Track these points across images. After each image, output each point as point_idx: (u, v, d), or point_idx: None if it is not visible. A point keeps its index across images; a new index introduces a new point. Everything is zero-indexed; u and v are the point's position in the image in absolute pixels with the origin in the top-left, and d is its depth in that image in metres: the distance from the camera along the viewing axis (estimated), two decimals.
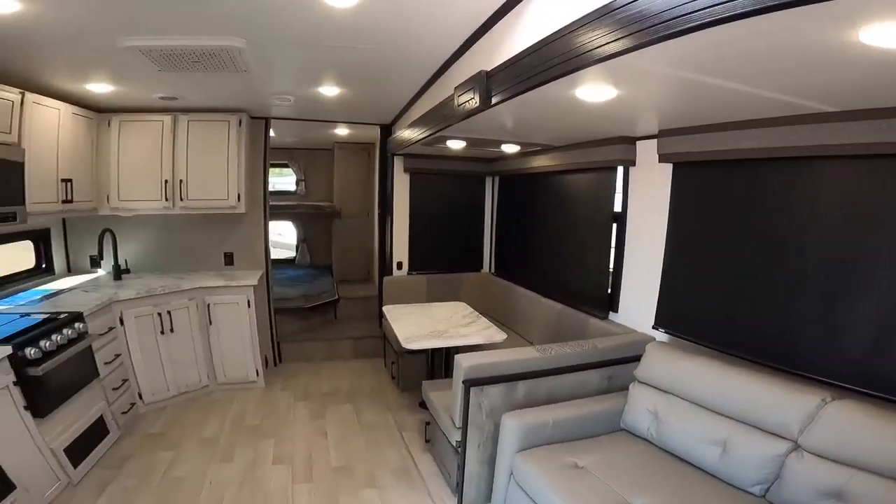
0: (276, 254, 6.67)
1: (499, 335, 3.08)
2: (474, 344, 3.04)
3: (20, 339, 2.29)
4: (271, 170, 6.50)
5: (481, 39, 2.01)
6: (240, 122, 3.82)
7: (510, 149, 3.64)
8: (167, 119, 3.69)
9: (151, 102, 3.47)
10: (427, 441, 3.02)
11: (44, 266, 3.75)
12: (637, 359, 2.37)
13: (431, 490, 2.61)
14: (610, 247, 3.13)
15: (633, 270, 2.95)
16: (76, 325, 2.72)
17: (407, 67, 2.62)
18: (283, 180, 6.60)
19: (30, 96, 2.75)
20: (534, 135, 3.10)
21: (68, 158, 3.21)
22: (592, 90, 1.68)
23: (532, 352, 2.38)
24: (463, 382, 2.16)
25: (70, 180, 3.22)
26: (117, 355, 3.20)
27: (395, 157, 4.42)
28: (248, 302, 3.86)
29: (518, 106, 1.95)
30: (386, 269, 4.65)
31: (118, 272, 3.86)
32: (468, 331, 3.18)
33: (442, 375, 3.43)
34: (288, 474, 2.74)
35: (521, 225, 4.32)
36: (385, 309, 3.71)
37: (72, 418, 2.61)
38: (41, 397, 2.35)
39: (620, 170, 3.01)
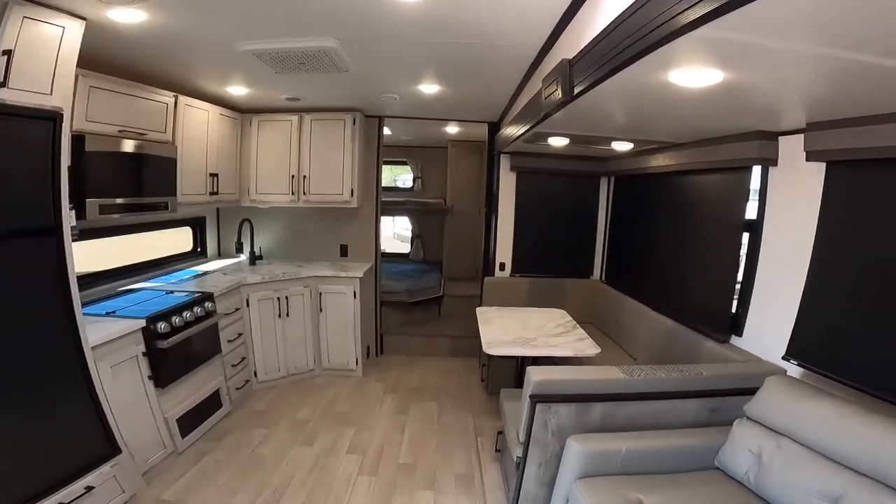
0: (393, 248, 7.07)
1: (591, 349, 2.82)
2: (563, 356, 2.82)
3: (154, 313, 2.66)
4: (392, 167, 6.97)
5: (567, 27, 1.83)
6: (354, 120, 4.07)
7: (622, 146, 3.30)
8: (294, 119, 4.09)
9: (281, 103, 3.87)
10: (497, 451, 2.91)
11: (199, 250, 4.43)
12: (753, 391, 1.96)
13: (488, 502, 2.50)
14: (739, 259, 2.65)
15: (765, 289, 2.46)
16: (206, 304, 3.13)
17: (501, 62, 2.53)
18: (403, 177, 6.93)
19: (183, 99, 3.25)
20: (643, 130, 2.76)
21: (215, 155, 3.74)
22: (689, 74, 1.40)
23: (615, 372, 2.11)
24: (530, 397, 2.00)
25: (216, 174, 3.75)
26: (240, 334, 3.63)
27: (502, 156, 4.32)
28: (355, 293, 4.10)
29: (606, 97, 1.74)
30: (488, 269, 4.59)
31: (253, 258, 4.40)
32: (559, 341, 2.96)
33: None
34: (356, 465, 2.84)
35: (635, 230, 3.91)
36: (479, 310, 3.65)
37: (190, 390, 2.95)
38: (165, 369, 2.66)
39: (756, 170, 2.53)
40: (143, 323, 2.54)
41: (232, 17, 2.04)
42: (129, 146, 2.78)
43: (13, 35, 1.69)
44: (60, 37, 1.88)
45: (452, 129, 5.18)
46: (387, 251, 6.89)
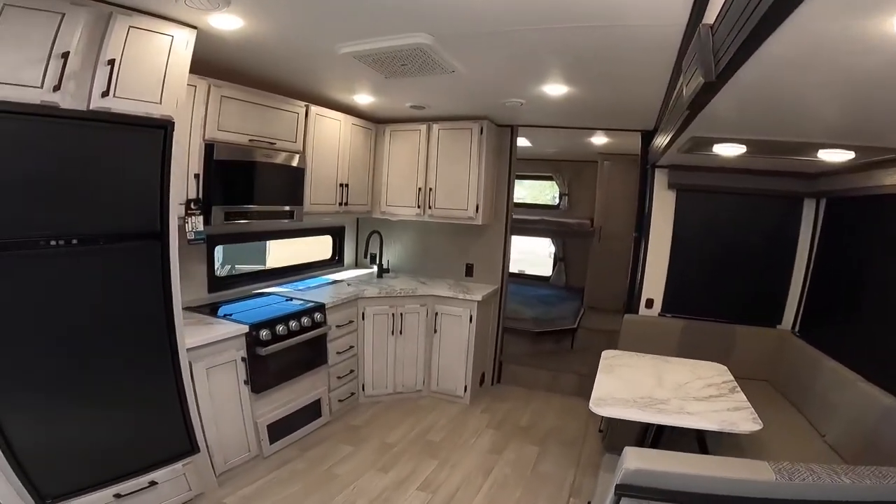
0: (535, 268, 6.59)
1: (747, 423, 2.01)
2: (702, 429, 2.06)
3: (260, 321, 2.72)
4: (534, 182, 6.51)
5: None
6: (481, 129, 3.78)
7: (835, 156, 2.33)
8: (423, 128, 3.98)
9: (409, 112, 3.79)
10: None
11: (336, 258, 4.64)
12: None
13: None
14: None
15: None
16: (316, 314, 3.14)
17: (637, 50, 1.97)
18: (546, 193, 6.43)
19: (314, 109, 3.36)
20: (867, 129, 1.85)
21: (347, 165, 3.82)
22: None
23: (763, 471, 1.36)
24: (617, 487, 1.40)
25: (347, 185, 3.84)
26: (351, 347, 3.58)
27: (657, 170, 3.56)
28: (471, 317, 3.78)
29: (785, 70, 1.09)
30: (632, 304, 3.83)
31: (381, 271, 4.43)
32: (701, 407, 2.19)
33: (649, 445, 2.52)
34: None
35: (859, 273, 2.79)
36: (605, 354, 2.99)
37: (288, 398, 2.94)
38: (262, 375, 2.68)
39: None
40: (246, 329, 2.61)
41: (320, 15, 1.92)
42: (259, 155, 2.95)
43: (118, 45, 1.80)
44: (169, 46, 1.98)
45: (600, 139, 4.53)
46: (526, 272, 6.45)
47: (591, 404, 2.27)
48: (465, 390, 3.88)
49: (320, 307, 3.22)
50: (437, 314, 3.87)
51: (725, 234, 3.49)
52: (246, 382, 2.62)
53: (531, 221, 5.40)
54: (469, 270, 4.37)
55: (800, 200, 3.33)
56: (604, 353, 3.03)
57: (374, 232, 4.40)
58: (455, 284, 4.16)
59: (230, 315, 2.80)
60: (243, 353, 2.59)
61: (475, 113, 3.72)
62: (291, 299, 3.32)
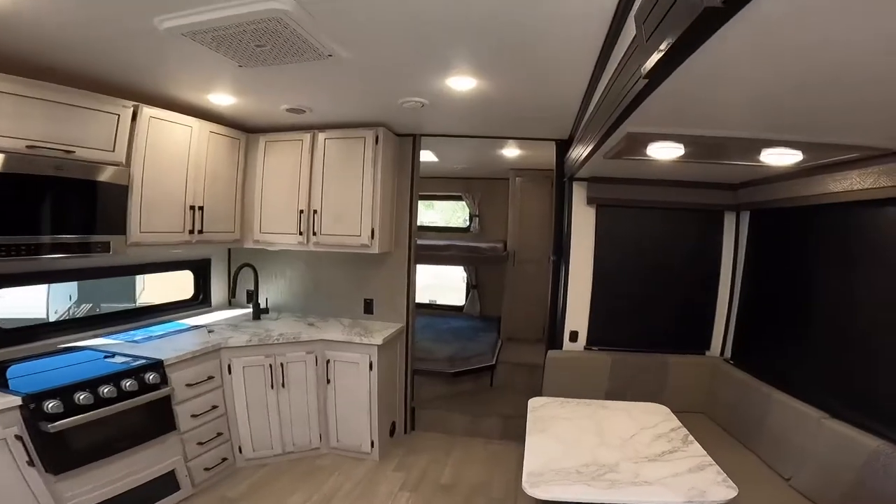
0: (444, 297, 6.01)
1: (720, 490, 1.55)
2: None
3: (44, 390, 1.93)
4: (446, 204, 6.02)
5: None
6: (376, 138, 3.15)
7: (780, 159, 2.00)
8: (306, 138, 3.27)
9: (285, 118, 3.06)
10: None
11: (200, 298, 3.69)
12: None
13: None
14: None
15: None
16: (148, 375, 2.30)
17: (557, 34, 1.48)
18: (458, 215, 5.95)
19: (147, 110, 2.53)
20: (826, 122, 1.49)
21: (202, 183, 2.98)
22: None
23: None
24: None
25: (201, 207, 2.98)
26: (214, 406, 2.76)
27: (575, 184, 3.16)
28: (371, 364, 3.07)
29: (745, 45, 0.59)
30: (555, 339, 3.35)
31: (258, 311, 3.56)
32: (659, 472, 1.72)
33: None
34: None
35: (793, 290, 2.53)
36: (532, 404, 2.44)
37: (117, 474, 2.20)
38: (61, 453, 1.98)
39: None
40: (19, 401, 1.84)
41: None
42: (45, 167, 2.05)
43: None
44: None
45: (512, 151, 4.11)
46: (437, 302, 5.85)
47: (524, 483, 1.70)
48: (373, 446, 3.15)
49: (155, 365, 2.36)
50: (328, 362, 3.11)
51: (650, 254, 3.15)
52: (30, 463, 1.87)
53: (439, 247, 4.75)
54: (368, 307, 3.65)
55: (720, 214, 3.09)
56: (531, 403, 2.48)
57: (244, 265, 3.55)
58: (352, 325, 3.42)
59: (9, 380, 1.99)
60: (18, 429, 1.84)
61: (369, 118, 3.08)
62: (114, 355, 2.44)
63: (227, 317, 3.55)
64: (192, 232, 2.93)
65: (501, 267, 5.03)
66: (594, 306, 3.19)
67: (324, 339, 3.12)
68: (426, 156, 4.24)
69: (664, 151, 1.99)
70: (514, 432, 3.61)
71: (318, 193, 3.24)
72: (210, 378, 2.75)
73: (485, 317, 5.50)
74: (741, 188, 2.89)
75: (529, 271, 4.96)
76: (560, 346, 3.26)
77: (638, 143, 1.89)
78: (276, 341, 3.00)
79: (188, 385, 2.57)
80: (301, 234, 3.27)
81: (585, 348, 3.23)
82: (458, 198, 5.60)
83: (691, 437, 2.11)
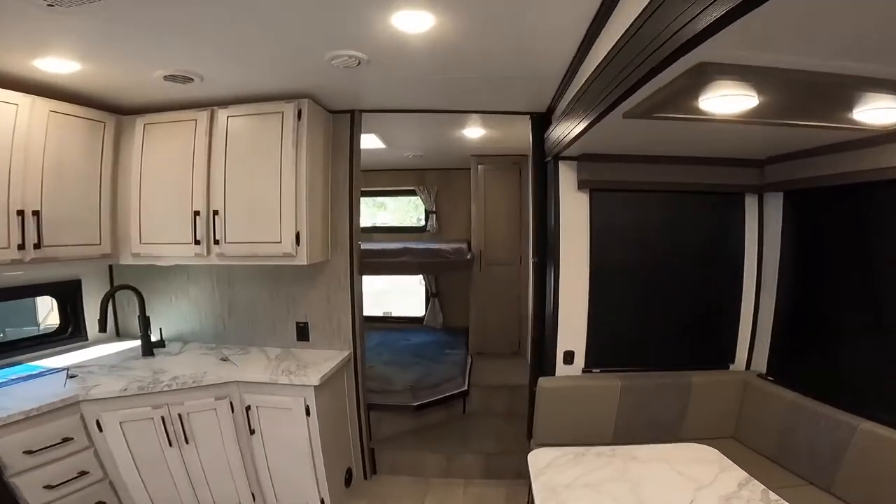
0: (401, 307, 5.21)
1: None
2: None
3: None
4: (400, 199, 5.19)
5: None
6: (298, 113, 2.32)
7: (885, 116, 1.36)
8: (202, 116, 2.40)
9: (169, 90, 2.20)
10: None
11: (70, 330, 2.73)
12: None
13: None
14: None
15: None
16: None
17: None
18: (412, 213, 5.16)
19: None
20: None
21: (35, 179, 2.06)
22: None
23: None
24: None
25: (36, 212, 2.05)
26: (83, 472, 1.98)
27: (561, 165, 2.46)
28: (308, 409, 2.26)
29: None
30: (543, 362, 2.65)
31: (149, 345, 2.64)
32: None
33: None
34: None
35: (855, 289, 1.95)
36: (535, 463, 1.71)
37: None
38: None
39: None
40: None
41: None
42: None
43: None
44: None
45: (475, 132, 3.37)
46: (393, 314, 5.05)
47: None
48: (323, 503, 2.34)
49: None
50: (249, 408, 2.28)
51: (659, 250, 2.51)
52: None
53: (390, 252, 3.79)
54: (303, 332, 2.81)
55: (740, 198, 2.50)
56: (533, 461, 1.78)
57: (120, 287, 2.63)
58: (281, 357, 2.60)
59: None
60: None
61: (288, 87, 2.26)
62: None
63: (106, 353, 2.65)
64: (22, 247, 1.99)
65: (466, 271, 4.30)
66: (593, 318, 2.51)
67: (239, 380, 2.29)
68: (370, 141, 3.44)
69: (729, 103, 1.30)
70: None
71: (220, 189, 2.37)
72: (67, 440, 1.93)
73: (449, 329, 4.76)
74: (770, 164, 2.30)
75: (499, 275, 4.27)
76: (552, 371, 2.57)
77: (700, 83, 1.19)
78: (166, 388, 2.15)
79: (28, 452, 1.77)
80: (198, 242, 2.39)
81: (584, 371, 2.55)
82: (412, 192, 4.81)
83: (773, 495, 1.47)
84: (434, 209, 4.73)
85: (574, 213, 2.46)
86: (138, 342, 2.79)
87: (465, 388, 3.50)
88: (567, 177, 2.44)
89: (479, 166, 4.22)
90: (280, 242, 2.33)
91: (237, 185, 2.36)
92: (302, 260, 2.34)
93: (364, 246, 2.87)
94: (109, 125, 2.43)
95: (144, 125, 2.46)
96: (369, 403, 2.99)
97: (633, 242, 2.47)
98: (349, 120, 2.72)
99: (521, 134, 3.21)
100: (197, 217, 2.37)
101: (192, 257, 2.42)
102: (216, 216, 2.36)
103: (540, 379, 2.51)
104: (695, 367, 2.51)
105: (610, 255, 2.46)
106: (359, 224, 2.78)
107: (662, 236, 2.47)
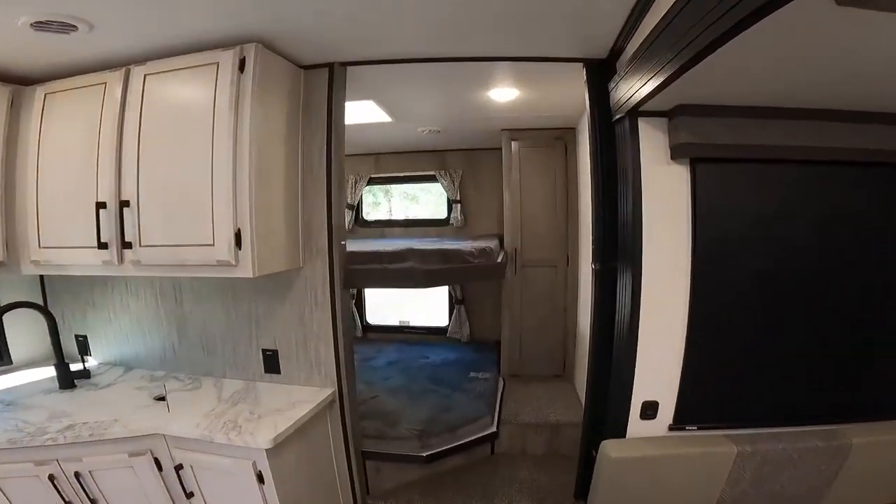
0: (422, 315, 4.41)
1: None
2: None
3: None
4: (429, 187, 4.28)
5: None
6: (240, 63, 1.56)
7: None
8: (114, 77, 1.69)
9: (56, 46, 1.52)
10: None
11: None
12: None
13: None
14: None
15: None
16: None
17: None
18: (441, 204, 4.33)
19: None
20: None
21: None
22: None
23: None
24: None
25: None
26: None
27: (640, 122, 1.59)
28: (261, 476, 1.54)
29: None
30: (607, 414, 1.82)
31: (67, 375, 1.99)
32: None
33: None
34: None
35: None
36: None
37: None
38: None
39: None
40: None
41: None
42: None
43: None
44: None
45: (505, 92, 2.46)
46: (411, 324, 4.28)
47: None
48: None
49: None
50: (181, 467, 1.60)
51: (805, 251, 1.62)
52: None
53: (386, 256, 2.49)
54: (271, 362, 2.08)
55: None
56: None
57: (15, 306, 1.97)
58: (238, 396, 1.93)
59: None
60: None
61: (232, 31, 1.53)
62: None
63: (22, 383, 2.07)
64: None
65: (496, 279, 3.45)
66: (692, 353, 1.66)
67: (163, 433, 1.59)
68: (370, 112, 2.68)
69: None
70: None
71: (133, 172, 1.65)
72: None
73: (477, 342, 3.96)
74: None
75: (539, 279, 3.43)
76: (621, 428, 1.73)
77: None
78: (50, 441, 1.51)
79: None
80: (103, 246, 1.68)
81: (673, 428, 1.70)
82: (432, 178, 3.99)
83: None
84: (458, 198, 3.91)
85: (664, 196, 1.60)
86: (88, 364, 2.19)
87: (494, 428, 2.69)
88: (652, 142, 1.58)
89: (513, 143, 3.36)
90: (212, 245, 1.58)
91: (156, 166, 1.64)
92: (246, 270, 1.59)
93: (351, 247, 2.10)
94: (2, 98, 1.77)
95: (45, 95, 1.79)
96: (365, 451, 2.25)
97: (760, 240, 1.59)
98: (327, 77, 1.93)
99: (567, 95, 2.39)
100: (102, 211, 1.66)
101: (99, 266, 1.72)
102: (125, 209, 1.64)
103: (604, 443, 1.69)
104: (854, 418, 1.62)
105: (723, 260, 1.59)
106: (342, 220, 2.01)
107: (809, 232, 1.57)
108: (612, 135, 1.75)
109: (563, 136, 3.31)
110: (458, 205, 3.90)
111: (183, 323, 2.15)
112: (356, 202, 3.97)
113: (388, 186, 4.30)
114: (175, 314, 2.15)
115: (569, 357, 3.44)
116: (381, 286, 2.88)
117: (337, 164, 1.96)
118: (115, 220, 1.65)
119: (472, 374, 3.21)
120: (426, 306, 4.25)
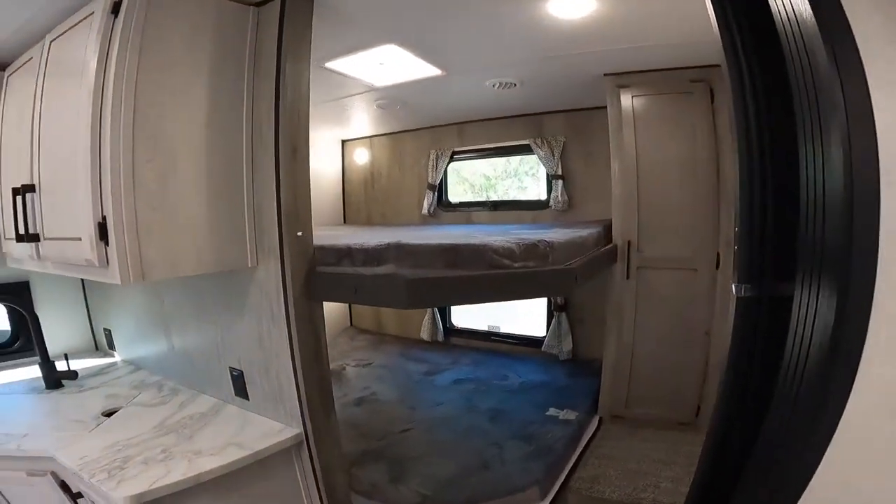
0: (514, 324, 3.48)
1: None
2: None
3: None
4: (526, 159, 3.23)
5: None
6: (112, 6, 1.15)
7: None
8: (38, 51, 1.44)
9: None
10: None
11: (17, 343, 2.21)
12: None
13: None
14: None
15: None
16: None
17: None
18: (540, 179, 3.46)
19: None
20: None
21: None
22: None
23: None
24: None
25: None
26: None
27: None
28: None
29: None
30: None
31: (51, 376, 1.91)
32: None
33: None
34: None
35: None
36: None
37: None
38: None
39: None
40: None
41: None
42: None
43: None
44: None
45: (572, 3, 1.59)
46: (500, 330, 3.54)
47: None
48: None
49: None
50: (80, 496, 1.37)
51: None
52: None
53: (358, 254, 1.52)
54: (239, 385, 1.67)
55: None
56: None
57: None
58: (186, 423, 1.60)
59: None
60: None
61: None
62: None
63: (13, 380, 2.03)
64: None
65: (603, 273, 2.51)
66: None
67: (54, 457, 1.34)
68: (406, 63, 2.08)
69: None
70: None
71: (36, 149, 1.37)
72: None
73: (580, 361, 3.05)
74: None
75: (665, 286, 2.40)
76: None
77: None
78: None
79: None
80: (21, 238, 1.44)
81: None
82: (527, 149, 3.15)
83: None
84: (559, 172, 3.00)
85: None
86: (113, 359, 2.17)
87: None
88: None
89: (622, 93, 2.34)
90: (80, 240, 1.19)
91: (48, 140, 1.33)
92: (113, 275, 1.16)
93: (320, 241, 1.54)
94: None
95: (8, 77, 1.68)
96: None
97: None
98: (278, 10, 1.38)
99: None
100: (18, 197, 1.42)
101: (28, 260, 1.50)
102: (28, 194, 1.37)
103: None
104: None
105: None
106: (307, 205, 1.46)
107: None
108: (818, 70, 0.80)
109: (705, 77, 2.19)
110: (560, 181, 3.00)
111: (168, 328, 1.90)
112: (437, 181, 3.38)
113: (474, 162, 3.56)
114: (161, 317, 1.91)
115: (706, 399, 2.36)
116: (350, 300, 2.01)
117: (292, 125, 1.41)
118: (21, 208, 1.40)
119: (551, 411, 2.38)
120: (524, 311, 3.45)
